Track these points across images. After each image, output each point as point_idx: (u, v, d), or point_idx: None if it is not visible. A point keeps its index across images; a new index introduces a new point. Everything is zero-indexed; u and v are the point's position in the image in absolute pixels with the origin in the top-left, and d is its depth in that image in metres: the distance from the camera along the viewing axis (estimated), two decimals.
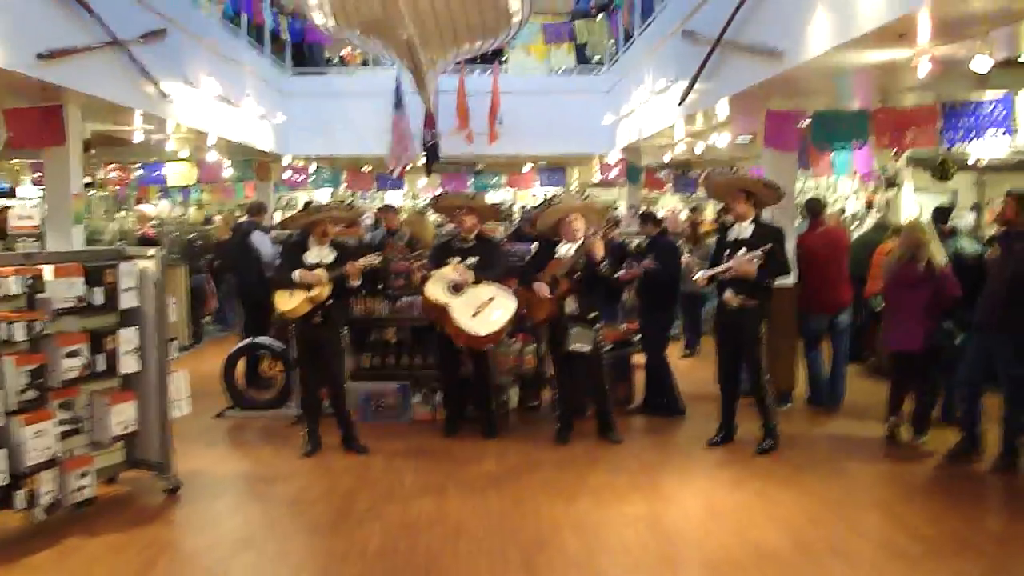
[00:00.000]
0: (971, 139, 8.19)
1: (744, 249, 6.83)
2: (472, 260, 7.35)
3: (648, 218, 8.76)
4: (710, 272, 6.99)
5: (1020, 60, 7.33)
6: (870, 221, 13.45)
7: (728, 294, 6.95)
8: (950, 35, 6.40)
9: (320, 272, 6.87)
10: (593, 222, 7.36)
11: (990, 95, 8.04)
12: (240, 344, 8.84)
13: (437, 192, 13.29)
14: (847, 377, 8.78)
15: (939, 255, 7.08)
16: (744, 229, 7.00)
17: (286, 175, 16.58)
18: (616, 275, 7.32)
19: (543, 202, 7.94)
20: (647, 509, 5.79)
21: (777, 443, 7.06)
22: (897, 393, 7.46)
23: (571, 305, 7.24)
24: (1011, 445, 6.43)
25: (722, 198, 7.62)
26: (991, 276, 6.58)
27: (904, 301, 7.17)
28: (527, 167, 18.34)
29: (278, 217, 16.92)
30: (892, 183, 14.38)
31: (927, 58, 6.81)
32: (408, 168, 15.38)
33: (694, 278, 7.16)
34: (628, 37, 14.49)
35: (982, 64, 6.62)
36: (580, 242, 7.20)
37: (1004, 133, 7.95)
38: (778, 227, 7.20)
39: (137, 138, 11.67)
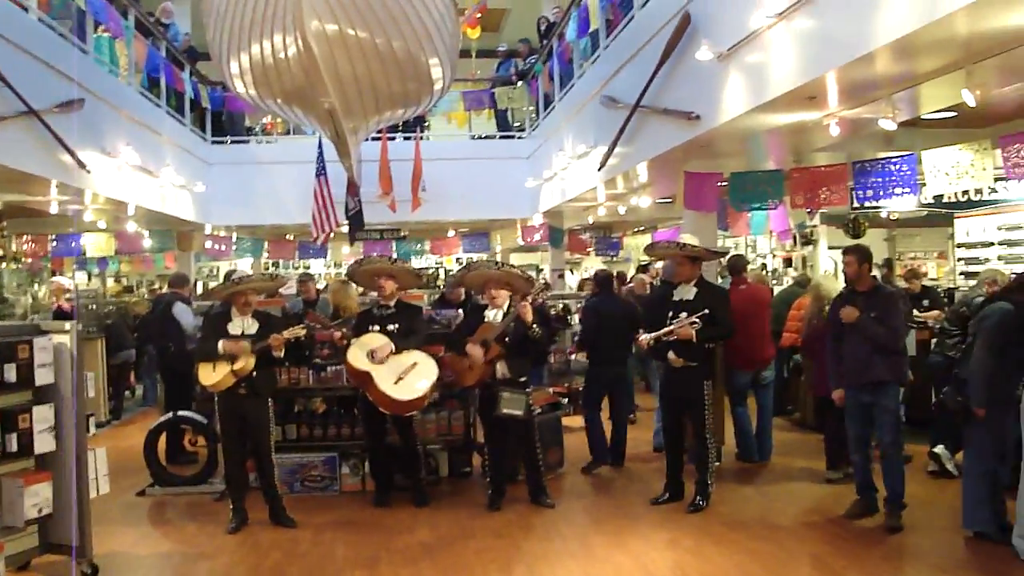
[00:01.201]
0: (879, 197, 8.50)
1: (685, 313, 6.97)
2: (393, 327, 7.30)
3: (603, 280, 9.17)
4: (653, 335, 7.08)
5: (924, 118, 7.66)
6: (788, 279, 13.80)
7: (671, 355, 7.07)
8: (856, 98, 6.67)
9: (244, 343, 6.75)
10: (520, 289, 7.39)
11: (896, 154, 8.37)
12: (161, 419, 8.57)
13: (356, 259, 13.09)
14: (773, 431, 8.91)
15: None
16: (688, 291, 7.15)
17: (208, 245, 16.34)
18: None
19: (464, 266, 7.99)
20: (582, 573, 5.74)
21: (708, 501, 7.09)
22: (833, 442, 7.78)
23: (502, 369, 7.23)
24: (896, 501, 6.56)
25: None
26: (848, 333, 6.60)
27: (823, 350, 7.42)
28: (451, 233, 18.41)
29: (201, 288, 16.61)
30: (808, 240, 14.81)
31: (835, 121, 7.09)
32: (331, 236, 15.26)
33: (639, 340, 7.24)
34: (548, 102, 14.73)
35: (888, 124, 6.89)
36: (509, 306, 7.23)
37: (909, 191, 8.29)
38: (722, 288, 7.40)
39: (53, 209, 11.40)
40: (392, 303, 7.49)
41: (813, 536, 6.43)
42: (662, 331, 7.03)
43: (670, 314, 7.10)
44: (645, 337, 7.17)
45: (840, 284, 8.10)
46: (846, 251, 6.88)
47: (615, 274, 12.41)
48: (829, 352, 6.90)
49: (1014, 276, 6.54)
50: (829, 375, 6.94)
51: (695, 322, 6.89)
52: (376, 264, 7.74)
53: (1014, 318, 5.98)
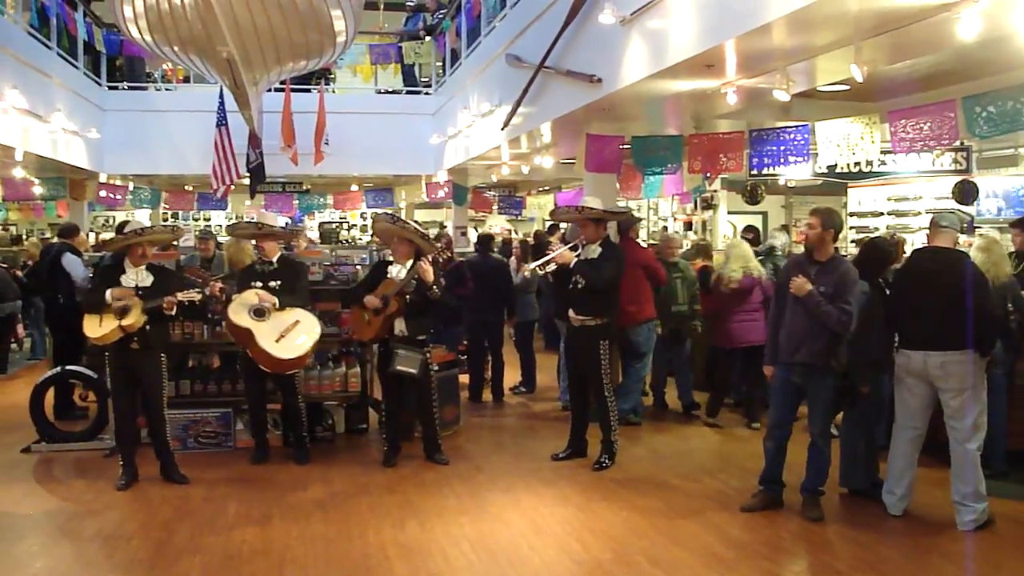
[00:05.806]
0: (775, 165, 8.73)
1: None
2: (275, 284, 7.24)
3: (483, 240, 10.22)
4: (535, 264, 7.29)
5: (819, 90, 7.86)
6: (687, 242, 14.08)
7: (571, 313, 7.15)
8: (753, 68, 6.81)
9: (129, 292, 6.57)
10: (422, 247, 7.36)
11: (792, 124, 8.58)
12: (49, 373, 8.32)
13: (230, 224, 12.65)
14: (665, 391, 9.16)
15: (758, 268, 8.52)
16: (593, 251, 7.21)
17: (102, 194, 15.80)
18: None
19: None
20: (473, 530, 5.83)
21: (614, 460, 7.24)
22: (721, 391, 8.76)
23: (399, 327, 7.23)
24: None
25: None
26: (791, 305, 5.98)
27: (739, 304, 8.36)
28: (354, 187, 18.19)
29: (94, 238, 16.09)
30: (709, 205, 15.13)
31: (733, 90, 7.22)
32: (232, 188, 14.92)
33: (524, 269, 7.48)
34: (455, 59, 14.62)
35: (781, 95, 7.04)
36: (411, 264, 7.21)
37: (803, 160, 8.55)
38: (620, 248, 7.48)
39: None
40: (274, 259, 7.43)
41: (700, 494, 6.60)
42: (543, 259, 7.25)
43: (575, 278, 7.13)
44: (528, 266, 7.42)
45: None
46: (812, 212, 6.13)
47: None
48: (771, 321, 6.31)
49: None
50: (766, 347, 6.33)
51: (574, 246, 7.12)
52: (246, 229, 7.80)
53: (874, 295, 6.16)
